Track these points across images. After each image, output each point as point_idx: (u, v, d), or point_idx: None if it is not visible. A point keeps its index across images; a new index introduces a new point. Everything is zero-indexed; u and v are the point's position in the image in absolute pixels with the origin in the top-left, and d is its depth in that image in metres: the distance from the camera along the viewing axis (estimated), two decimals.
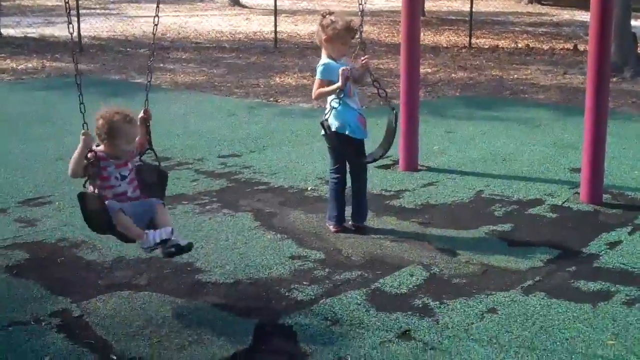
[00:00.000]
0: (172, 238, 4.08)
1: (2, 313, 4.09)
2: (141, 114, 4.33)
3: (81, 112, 4.01)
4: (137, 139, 4.26)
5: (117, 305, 4.21)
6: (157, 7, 4.48)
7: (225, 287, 4.46)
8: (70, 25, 4.17)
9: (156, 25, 4.43)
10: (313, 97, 5.31)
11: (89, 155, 4.01)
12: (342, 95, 5.08)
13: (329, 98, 5.16)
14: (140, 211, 4.16)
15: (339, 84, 5.02)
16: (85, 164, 4.03)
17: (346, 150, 5.23)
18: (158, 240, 4.06)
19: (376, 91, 5.27)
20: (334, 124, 5.18)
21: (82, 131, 3.99)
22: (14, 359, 3.63)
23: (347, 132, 5.18)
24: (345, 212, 5.49)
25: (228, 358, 3.66)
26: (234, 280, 4.55)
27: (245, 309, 4.18)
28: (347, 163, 5.38)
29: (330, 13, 5.21)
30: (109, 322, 4.01)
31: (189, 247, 4.14)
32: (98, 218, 4.03)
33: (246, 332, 3.91)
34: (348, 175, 5.45)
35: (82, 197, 4.05)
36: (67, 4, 4.10)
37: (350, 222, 5.49)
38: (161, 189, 4.40)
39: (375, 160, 5.45)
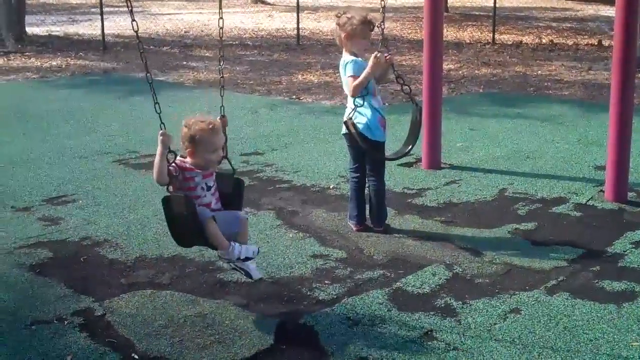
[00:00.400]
0: (251, 263, 4.13)
1: (25, 311, 4.12)
2: (218, 120, 4.22)
3: (156, 112, 3.88)
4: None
5: (139, 304, 4.22)
6: (220, 9, 4.35)
7: (247, 286, 4.45)
8: (134, 23, 4.04)
9: (222, 28, 4.32)
10: (351, 94, 5.08)
11: (171, 168, 3.86)
12: (366, 94, 5.05)
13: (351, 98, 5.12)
14: (226, 223, 4.04)
15: (368, 70, 4.96)
16: (168, 167, 3.87)
17: (365, 149, 5.19)
18: (242, 257, 4.03)
19: (399, 88, 5.23)
20: (358, 122, 5.13)
21: (160, 132, 3.85)
22: (37, 357, 3.65)
23: (366, 133, 5.13)
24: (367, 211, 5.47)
25: (249, 358, 3.66)
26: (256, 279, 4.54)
27: (266, 308, 4.17)
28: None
29: (345, 12, 5.19)
30: (131, 321, 4.02)
31: (258, 280, 4.29)
32: (187, 222, 3.88)
33: (267, 331, 3.90)
34: None
35: (167, 200, 3.89)
36: (129, 2, 4.03)
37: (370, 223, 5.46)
38: (238, 199, 4.27)
39: (401, 157, 5.42)
